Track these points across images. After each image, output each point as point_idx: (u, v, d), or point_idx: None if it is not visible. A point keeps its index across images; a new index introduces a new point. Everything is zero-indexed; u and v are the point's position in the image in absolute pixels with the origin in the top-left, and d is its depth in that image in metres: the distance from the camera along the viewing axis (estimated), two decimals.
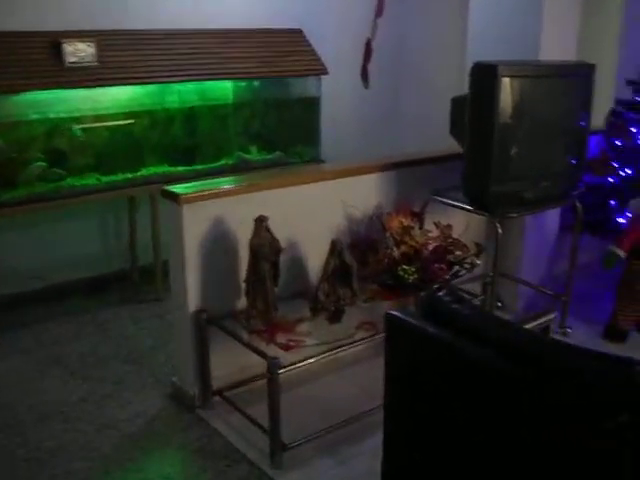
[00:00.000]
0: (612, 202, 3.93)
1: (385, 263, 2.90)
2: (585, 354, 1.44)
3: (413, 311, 1.73)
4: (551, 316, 2.25)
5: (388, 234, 2.95)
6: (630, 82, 3.89)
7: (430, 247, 2.93)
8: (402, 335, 1.70)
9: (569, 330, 3.55)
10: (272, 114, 4.44)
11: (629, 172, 3.78)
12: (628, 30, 4.34)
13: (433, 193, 3.27)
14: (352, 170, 3.15)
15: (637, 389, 1.35)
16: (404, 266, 2.83)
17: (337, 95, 4.51)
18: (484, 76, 2.81)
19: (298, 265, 3.00)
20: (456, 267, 2.93)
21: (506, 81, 2.78)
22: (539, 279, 3.83)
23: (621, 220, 3.90)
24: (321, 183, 3.01)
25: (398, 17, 4.65)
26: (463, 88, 3.00)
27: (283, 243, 2.70)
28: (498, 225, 2.98)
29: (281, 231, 2.69)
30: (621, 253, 3.34)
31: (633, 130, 3.76)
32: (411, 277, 2.82)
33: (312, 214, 3.00)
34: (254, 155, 4.33)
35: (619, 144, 3.82)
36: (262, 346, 2.50)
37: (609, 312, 3.57)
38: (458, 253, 2.96)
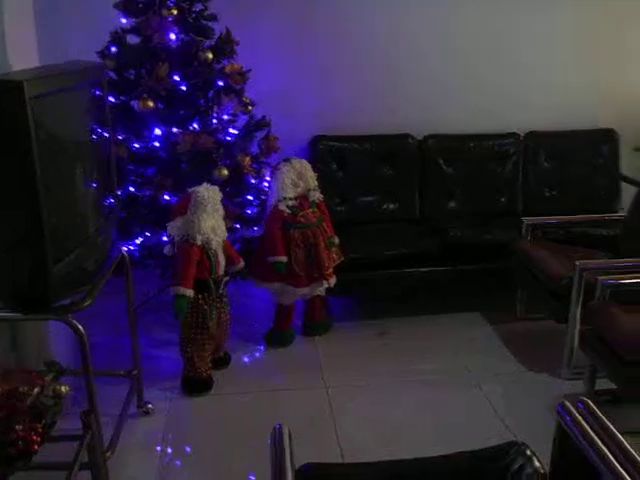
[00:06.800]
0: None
1: None
2: None
3: None
4: None
5: None
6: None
7: None
8: None
9: (150, 406, 2.74)
10: None
11: (132, 190, 3.04)
12: None
13: None
14: None
15: None
16: None
17: None
18: (2, 101, 1.65)
19: None
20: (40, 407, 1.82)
21: (36, 104, 1.69)
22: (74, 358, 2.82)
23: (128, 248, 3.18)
24: None
25: None
26: None
27: None
28: (78, 324, 1.92)
29: None
30: (189, 292, 2.67)
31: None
32: None
33: None
34: None
35: None
36: None
37: (177, 364, 2.91)
38: (36, 390, 1.83)
